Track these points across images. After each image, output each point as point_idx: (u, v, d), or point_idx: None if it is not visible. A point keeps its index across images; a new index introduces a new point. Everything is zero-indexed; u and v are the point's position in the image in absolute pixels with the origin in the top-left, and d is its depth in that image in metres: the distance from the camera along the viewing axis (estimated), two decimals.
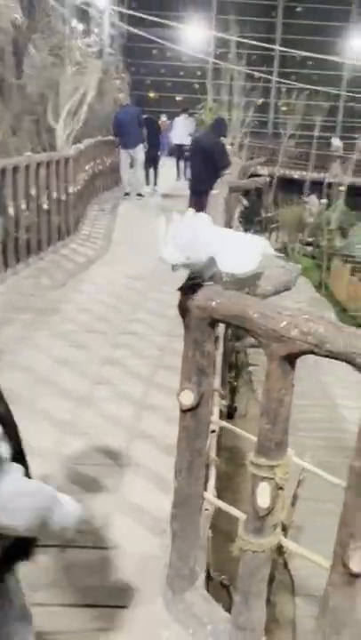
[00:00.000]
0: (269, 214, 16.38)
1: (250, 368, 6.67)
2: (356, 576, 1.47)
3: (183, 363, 1.71)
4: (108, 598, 2.06)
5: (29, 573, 2.12)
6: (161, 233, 1.48)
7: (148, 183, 11.20)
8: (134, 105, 11.37)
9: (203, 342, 1.67)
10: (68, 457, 2.85)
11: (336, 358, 1.37)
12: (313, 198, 16.21)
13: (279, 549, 3.86)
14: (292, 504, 3.66)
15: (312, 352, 1.41)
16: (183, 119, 13.73)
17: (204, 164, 7.06)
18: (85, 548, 2.27)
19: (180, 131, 13.47)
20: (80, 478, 2.69)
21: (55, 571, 2.15)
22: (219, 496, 2.13)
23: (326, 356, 1.38)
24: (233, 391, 5.48)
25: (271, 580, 3.75)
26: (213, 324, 1.66)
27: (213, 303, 1.58)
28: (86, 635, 1.92)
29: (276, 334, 1.44)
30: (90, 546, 2.29)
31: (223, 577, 2.62)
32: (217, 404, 2.33)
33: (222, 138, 7.58)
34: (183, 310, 1.65)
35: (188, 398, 1.70)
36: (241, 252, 1.56)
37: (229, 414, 4.70)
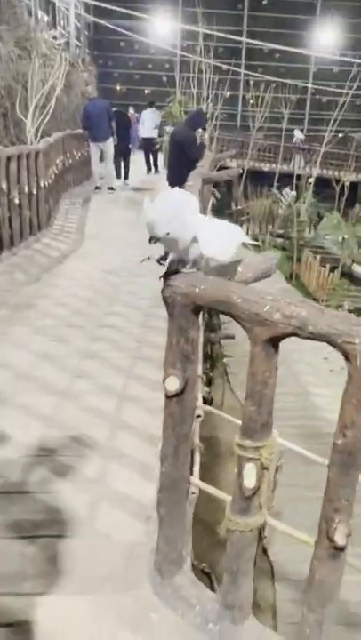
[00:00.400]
0: (240, 207, 16.49)
1: (224, 360, 6.74)
2: (340, 549, 1.53)
3: (168, 349, 1.74)
4: (97, 586, 2.08)
5: (17, 564, 2.14)
6: (147, 202, 1.51)
7: (118, 177, 11.15)
8: (102, 98, 11.29)
9: (187, 329, 1.71)
10: (51, 450, 2.86)
11: (318, 339, 1.42)
12: (288, 190, 16.37)
13: (259, 536, 3.95)
14: (272, 490, 3.74)
15: (295, 334, 1.46)
16: (150, 112, 13.94)
17: (179, 157, 7.11)
18: (72, 538, 2.29)
19: (148, 124, 13.67)
20: (64, 470, 2.70)
21: (42, 560, 2.17)
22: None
23: (308, 338, 1.43)
24: (209, 382, 5.53)
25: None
26: (197, 310, 1.69)
27: (197, 290, 1.61)
28: (76, 622, 1.95)
29: (260, 318, 1.48)
30: (76, 535, 2.31)
31: (204, 565, 2.68)
32: (200, 390, 2.37)
33: (200, 130, 7.62)
34: (166, 297, 1.68)
35: (174, 384, 1.73)
36: (222, 237, 1.60)
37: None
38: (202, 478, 2.11)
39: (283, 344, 1.55)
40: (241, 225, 15.79)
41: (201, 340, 3.20)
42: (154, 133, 13.45)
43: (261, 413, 1.59)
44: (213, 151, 11.82)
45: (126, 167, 11.38)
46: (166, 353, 1.76)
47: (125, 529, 2.35)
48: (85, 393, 3.42)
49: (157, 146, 13.23)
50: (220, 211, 15.51)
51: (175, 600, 1.97)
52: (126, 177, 11.37)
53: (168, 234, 1.51)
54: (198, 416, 2.10)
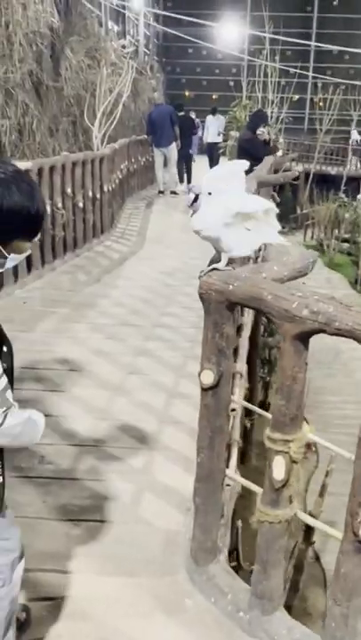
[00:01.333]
0: (305, 211, 16.26)
1: None
2: None
3: (203, 344, 1.82)
4: (136, 569, 2.18)
5: (63, 544, 2.28)
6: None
7: (181, 181, 11.33)
8: (168, 104, 11.54)
9: (222, 324, 1.78)
10: (101, 440, 3.00)
11: (344, 336, 1.46)
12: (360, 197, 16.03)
13: (307, 540, 3.93)
14: (321, 494, 3.72)
15: (323, 331, 1.50)
16: (214, 119, 14.44)
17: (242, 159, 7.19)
18: (115, 523, 2.41)
19: (212, 130, 14.13)
20: (112, 460, 2.83)
21: (86, 542, 2.30)
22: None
23: (335, 334, 1.47)
24: (266, 387, 5.54)
25: (300, 570, 3.84)
26: (232, 306, 1.76)
27: (230, 287, 1.68)
28: (114, 602, 2.05)
29: (289, 314, 1.53)
30: (119, 521, 2.43)
31: (256, 558, 2.73)
32: (239, 386, 2.43)
33: (262, 128, 7.67)
34: (203, 294, 1.76)
35: (208, 377, 1.81)
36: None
37: (263, 409, 4.78)
38: (254, 481, 2.14)
39: (343, 351, 1.59)
40: (306, 229, 15.59)
41: (245, 335, 3.25)
42: (218, 138, 13.81)
43: (290, 407, 1.63)
44: (281, 152, 11.77)
45: (188, 171, 11.54)
46: (202, 347, 1.84)
47: (166, 518, 2.45)
48: (137, 388, 3.54)
49: (221, 150, 13.34)
50: (285, 215, 15.38)
51: (209, 587, 2.04)
52: (189, 181, 11.53)
53: (210, 193, 1.66)
54: (233, 410, 2.16)
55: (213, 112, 14.62)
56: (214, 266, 1.79)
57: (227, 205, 1.69)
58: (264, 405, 4.97)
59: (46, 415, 3.24)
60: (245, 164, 1.79)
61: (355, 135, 19.54)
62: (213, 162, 13.70)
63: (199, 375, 1.84)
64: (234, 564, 2.57)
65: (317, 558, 4.21)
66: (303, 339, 1.57)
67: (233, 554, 2.75)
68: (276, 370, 6.72)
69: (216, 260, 1.88)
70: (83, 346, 4.13)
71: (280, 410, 1.64)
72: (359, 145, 18.84)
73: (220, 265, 1.79)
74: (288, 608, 3.68)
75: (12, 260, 1.33)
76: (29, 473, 2.69)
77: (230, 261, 1.79)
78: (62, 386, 3.53)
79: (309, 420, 5.98)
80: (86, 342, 4.20)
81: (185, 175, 11.63)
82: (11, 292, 4.97)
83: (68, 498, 2.56)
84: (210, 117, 14.48)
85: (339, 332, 1.46)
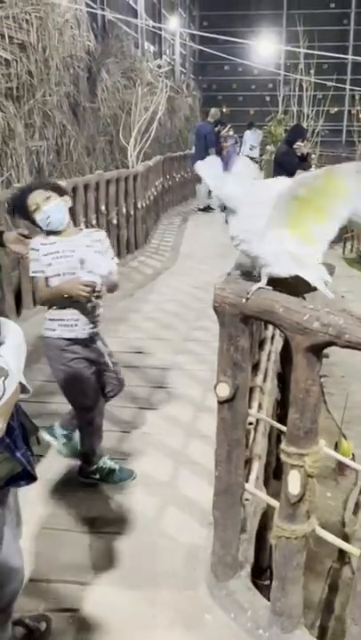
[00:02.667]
0: None
1: (321, 379, 6.60)
2: None
3: (219, 357, 1.82)
4: (156, 583, 2.19)
5: (85, 556, 2.30)
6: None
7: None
8: (206, 121, 11.47)
9: (237, 337, 1.78)
10: (127, 453, 3.03)
11: (355, 348, 1.44)
12: None
13: (342, 559, 3.83)
14: (355, 512, 3.63)
15: (333, 343, 1.49)
16: (251, 133, 14.49)
17: (277, 175, 7.19)
18: (138, 536, 2.42)
19: (250, 145, 14.17)
20: (137, 472, 2.84)
21: (108, 554, 2.32)
22: None
23: (346, 347, 1.45)
24: None
25: (335, 590, 3.75)
26: (246, 320, 1.76)
27: (244, 300, 1.69)
28: (134, 615, 2.06)
29: (300, 327, 1.53)
30: (142, 534, 2.44)
31: (274, 574, 2.69)
32: (258, 400, 2.42)
33: (299, 142, 7.66)
34: (217, 307, 1.77)
35: (224, 390, 1.81)
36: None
37: None
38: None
39: None
40: (345, 242, 15.38)
41: (268, 350, 3.22)
42: (252, 153, 13.73)
43: (304, 421, 1.62)
44: (314, 168, 11.70)
45: None
46: (218, 360, 1.84)
47: (189, 532, 2.44)
48: (164, 402, 3.56)
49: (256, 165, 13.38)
50: None
51: (229, 603, 2.02)
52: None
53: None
54: (251, 423, 2.15)
55: (250, 126, 14.65)
56: (258, 285, 1.67)
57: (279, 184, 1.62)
58: None
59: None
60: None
61: None
62: None
63: (215, 388, 1.85)
64: (267, 582, 2.53)
65: None
66: (315, 351, 1.56)
67: (267, 572, 2.72)
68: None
69: (243, 267, 1.89)
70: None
71: (294, 423, 1.63)
72: None
73: (262, 284, 1.68)
74: (323, 629, 3.60)
75: None
76: (55, 484, 2.74)
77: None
78: None
79: (349, 436, 5.88)
80: (116, 356, 4.24)
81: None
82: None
83: (93, 510, 2.58)
84: (247, 132, 14.58)
85: (349, 345, 1.45)
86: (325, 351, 1.57)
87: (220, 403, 1.85)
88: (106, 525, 2.49)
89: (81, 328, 2.54)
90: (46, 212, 2.43)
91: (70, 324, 2.52)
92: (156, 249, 7.66)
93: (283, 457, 1.68)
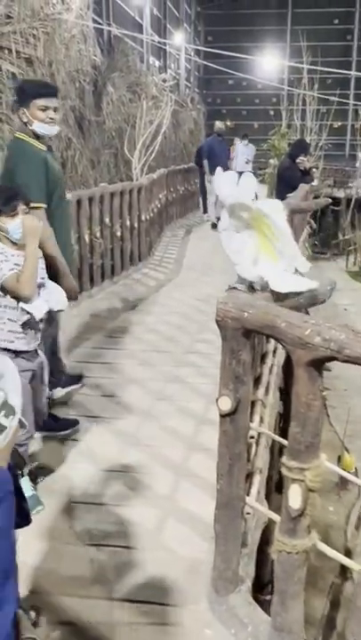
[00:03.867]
0: (347, 237, 16.11)
1: (323, 393, 6.60)
2: None
3: (221, 370, 1.84)
4: (158, 596, 2.18)
5: (86, 569, 2.30)
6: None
7: (205, 211, 11.07)
8: (210, 134, 11.42)
9: (238, 351, 1.79)
10: (129, 466, 3.02)
11: (355, 363, 1.45)
12: None
13: (343, 574, 3.81)
14: (357, 527, 3.62)
15: (334, 358, 1.50)
16: (243, 146, 13.05)
17: (280, 189, 7.25)
18: (138, 549, 2.41)
19: (241, 158, 12.57)
20: (138, 486, 2.85)
21: (109, 568, 2.31)
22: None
23: (346, 362, 1.46)
24: None
25: (337, 606, 3.73)
26: (248, 334, 1.78)
27: (246, 314, 1.70)
28: (133, 629, 2.05)
29: (301, 341, 1.54)
30: (143, 547, 2.43)
31: (275, 589, 2.67)
32: (260, 413, 2.42)
33: (302, 157, 7.72)
34: (219, 321, 1.78)
35: (226, 404, 1.82)
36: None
37: None
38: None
39: None
40: (348, 255, 15.43)
41: (270, 364, 3.23)
42: (247, 167, 12.23)
43: (306, 435, 1.62)
44: (317, 181, 11.76)
45: (204, 201, 11.19)
46: (220, 374, 1.85)
47: (190, 546, 2.44)
48: (166, 414, 3.56)
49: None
50: (327, 241, 15.29)
51: (229, 618, 2.02)
52: (205, 211, 11.21)
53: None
54: (252, 437, 2.15)
55: (243, 137, 13.10)
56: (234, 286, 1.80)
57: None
58: None
59: (76, 440, 3.30)
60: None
61: None
62: None
63: (217, 401, 1.86)
64: (269, 597, 2.52)
65: None
66: (316, 365, 1.57)
67: (268, 587, 2.70)
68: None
69: (245, 281, 1.92)
70: (114, 372, 4.19)
71: (295, 437, 1.63)
72: None
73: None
74: None
75: None
76: (57, 496, 2.74)
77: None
78: (93, 411, 3.59)
79: (351, 449, 5.85)
80: (118, 368, 4.26)
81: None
82: None
83: (93, 523, 2.58)
84: (238, 144, 12.91)
85: (349, 360, 1.46)
86: (327, 364, 1.60)
87: (222, 416, 1.86)
88: (106, 539, 2.48)
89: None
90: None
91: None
92: (159, 261, 7.70)
93: (284, 471, 1.68)
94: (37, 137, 3.12)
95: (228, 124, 20.72)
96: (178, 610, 2.12)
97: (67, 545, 2.44)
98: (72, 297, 3.01)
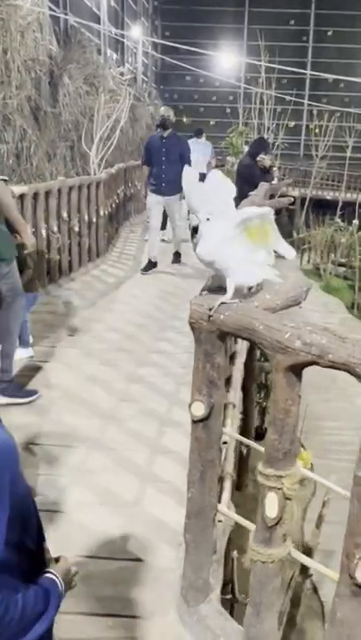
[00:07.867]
0: (301, 235, 16.35)
1: None
2: None
3: (194, 375, 1.76)
4: (125, 608, 2.09)
5: None
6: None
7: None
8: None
9: (213, 355, 1.72)
10: (92, 470, 2.92)
11: (338, 368, 1.40)
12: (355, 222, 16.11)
13: (305, 572, 3.82)
14: (317, 526, 3.62)
15: (316, 363, 1.45)
16: (194, 143, 9.67)
17: (242, 187, 7.20)
18: (104, 559, 2.32)
19: (195, 157, 8.26)
20: (102, 492, 2.74)
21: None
22: (247, 518, 2.09)
23: (329, 367, 1.41)
24: (263, 412, 5.46)
25: (297, 603, 3.72)
26: (223, 336, 1.71)
27: (222, 316, 1.63)
28: None
29: (281, 345, 1.48)
30: (108, 557, 2.33)
31: (249, 599, 2.63)
32: (231, 417, 2.36)
33: (262, 155, 7.69)
34: (193, 324, 1.71)
35: (199, 409, 1.75)
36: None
37: (259, 435, 4.69)
38: (251, 511, 2.05)
39: (341, 376, 1.49)
40: (302, 253, 15.66)
41: (240, 366, 3.19)
42: (202, 168, 9.29)
43: (283, 442, 1.57)
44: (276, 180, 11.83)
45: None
46: (193, 378, 1.78)
47: (157, 554, 2.36)
48: (129, 416, 3.47)
49: None
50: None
51: (200, 629, 1.95)
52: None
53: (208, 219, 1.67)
54: (225, 442, 2.09)
55: (198, 134, 10.73)
56: (222, 300, 1.66)
57: (230, 217, 1.66)
58: (260, 430, 4.89)
59: (34, 443, 3.17)
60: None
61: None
62: None
63: (190, 407, 1.78)
64: (229, 596, 2.47)
65: (315, 590, 4.08)
66: (296, 371, 1.51)
67: (228, 586, 2.65)
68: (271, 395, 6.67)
69: (212, 288, 1.84)
70: (75, 372, 4.06)
71: (273, 445, 1.58)
72: None
73: (227, 297, 1.66)
74: None
75: None
76: None
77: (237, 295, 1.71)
78: (51, 413, 3.46)
79: (307, 445, 5.90)
80: (79, 368, 4.13)
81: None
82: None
83: (53, 531, 2.46)
84: (192, 140, 9.43)
85: (333, 365, 1.41)
86: None
87: (195, 422, 1.78)
88: (67, 547, 2.37)
89: None
90: None
91: None
92: (118, 257, 7.57)
93: (260, 479, 1.62)
94: None
95: (185, 120, 20.62)
96: (147, 622, 2.04)
97: None
98: None
